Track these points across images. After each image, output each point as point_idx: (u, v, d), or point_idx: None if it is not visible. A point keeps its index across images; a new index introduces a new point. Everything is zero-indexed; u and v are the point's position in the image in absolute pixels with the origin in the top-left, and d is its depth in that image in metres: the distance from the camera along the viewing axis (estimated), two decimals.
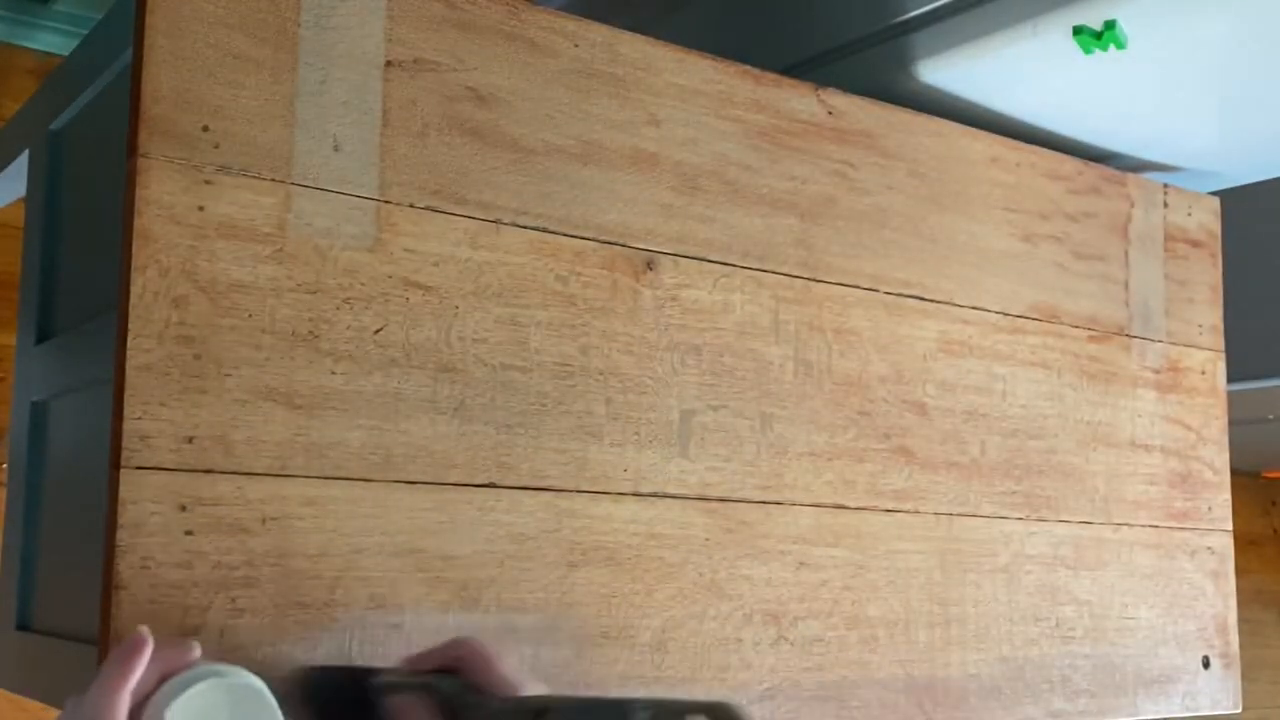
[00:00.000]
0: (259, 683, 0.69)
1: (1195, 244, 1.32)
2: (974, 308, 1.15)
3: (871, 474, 1.07)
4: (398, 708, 0.74)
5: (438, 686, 0.75)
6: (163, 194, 0.79)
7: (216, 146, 0.81)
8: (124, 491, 0.76)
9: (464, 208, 0.89)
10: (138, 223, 0.78)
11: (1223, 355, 1.33)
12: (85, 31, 1.55)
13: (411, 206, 0.87)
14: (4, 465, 1.65)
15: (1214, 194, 1.36)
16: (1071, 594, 1.18)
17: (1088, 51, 1.06)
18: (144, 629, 0.68)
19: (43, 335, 1.05)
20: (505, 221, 0.91)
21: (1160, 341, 1.28)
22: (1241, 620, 1.33)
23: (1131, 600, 1.22)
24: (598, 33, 0.97)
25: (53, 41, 1.94)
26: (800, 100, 1.06)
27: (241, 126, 0.82)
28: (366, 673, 0.77)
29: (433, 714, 0.73)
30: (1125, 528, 1.23)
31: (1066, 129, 1.25)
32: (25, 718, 1.73)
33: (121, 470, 0.76)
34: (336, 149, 0.85)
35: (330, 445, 0.83)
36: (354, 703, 0.75)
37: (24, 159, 1.15)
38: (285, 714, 0.70)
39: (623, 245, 0.96)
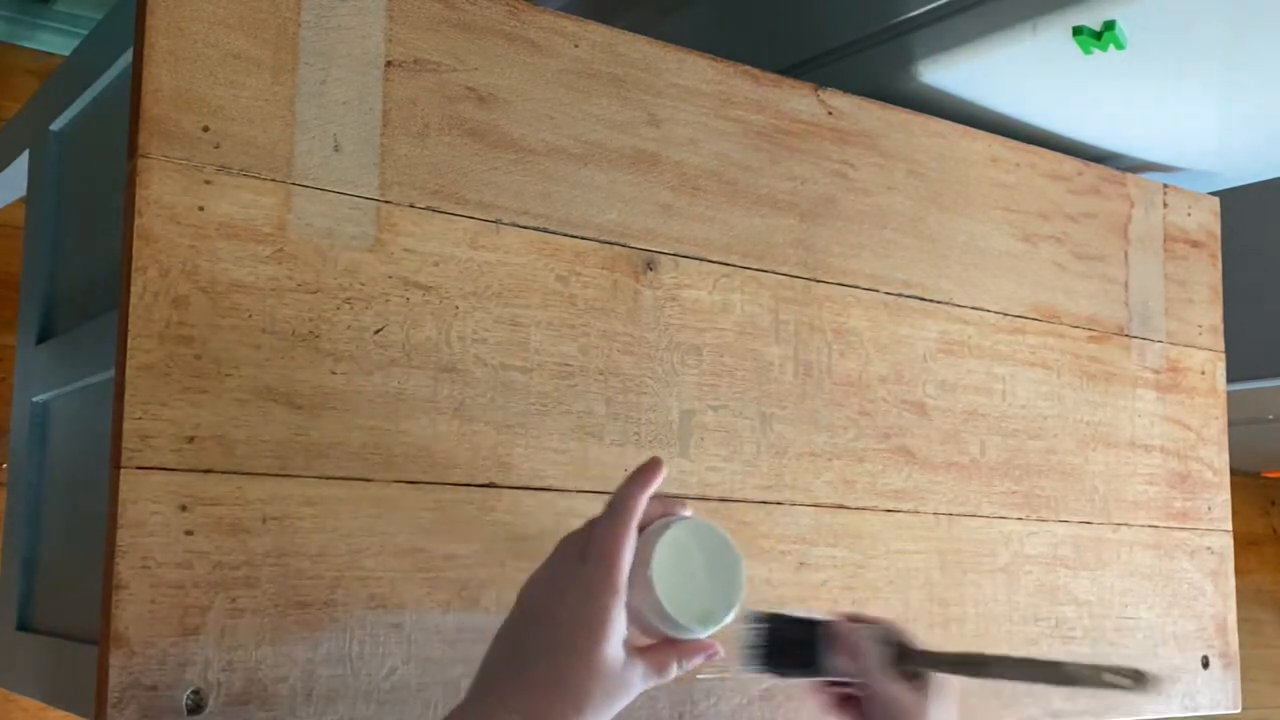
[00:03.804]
0: (729, 537, 0.75)
1: (1195, 244, 1.32)
2: (974, 308, 1.15)
3: (871, 474, 1.07)
4: (845, 643, 0.88)
5: (883, 629, 0.90)
6: (163, 194, 0.79)
7: (217, 147, 0.81)
8: (124, 491, 0.76)
9: (464, 208, 0.90)
10: (138, 223, 0.78)
11: (1223, 355, 1.33)
12: (85, 31, 1.55)
13: (412, 207, 0.87)
14: (4, 465, 1.65)
15: (1214, 194, 1.36)
16: (1071, 594, 1.18)
17: (1087, 51, 1.07)
18: (659, 458, 0.76)
19: (43, 335, 1.05)
20: (505, 221, 0.91)
21: (1160, 341, 1.28)
22: (1241, 620, 1.33)
23: (1131, 600, 1.22)
24: (598, 33, 0.97)
25: (53, 41, 1.94)
26: (800, 100, 1.06)
27: (242, 127, 0.82)
28: (806, 621, 0.90)
29: (872, 649, 0.88)
30: (1125, 528, 1.23)
31: (1066, 129, 1.25)
32: (25, 718, 1.73)
33: (122, 470, 0.76)
34: (337, 149, 0.85)
35: (330, 445, 0.83)
36: (794, 644, 0.88)
37: (24, 159, 1.15)
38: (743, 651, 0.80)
39: (623, 245, 0.96)
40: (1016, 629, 1.14)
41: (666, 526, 0.73)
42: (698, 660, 0.74)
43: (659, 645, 0.73)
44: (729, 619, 0.74)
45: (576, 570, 0.71)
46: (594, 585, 0.70)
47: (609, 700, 0.69)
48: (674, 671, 0.73)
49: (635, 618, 0.71)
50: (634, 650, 0.71)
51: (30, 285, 1.09)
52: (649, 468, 0.74)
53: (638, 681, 0.71)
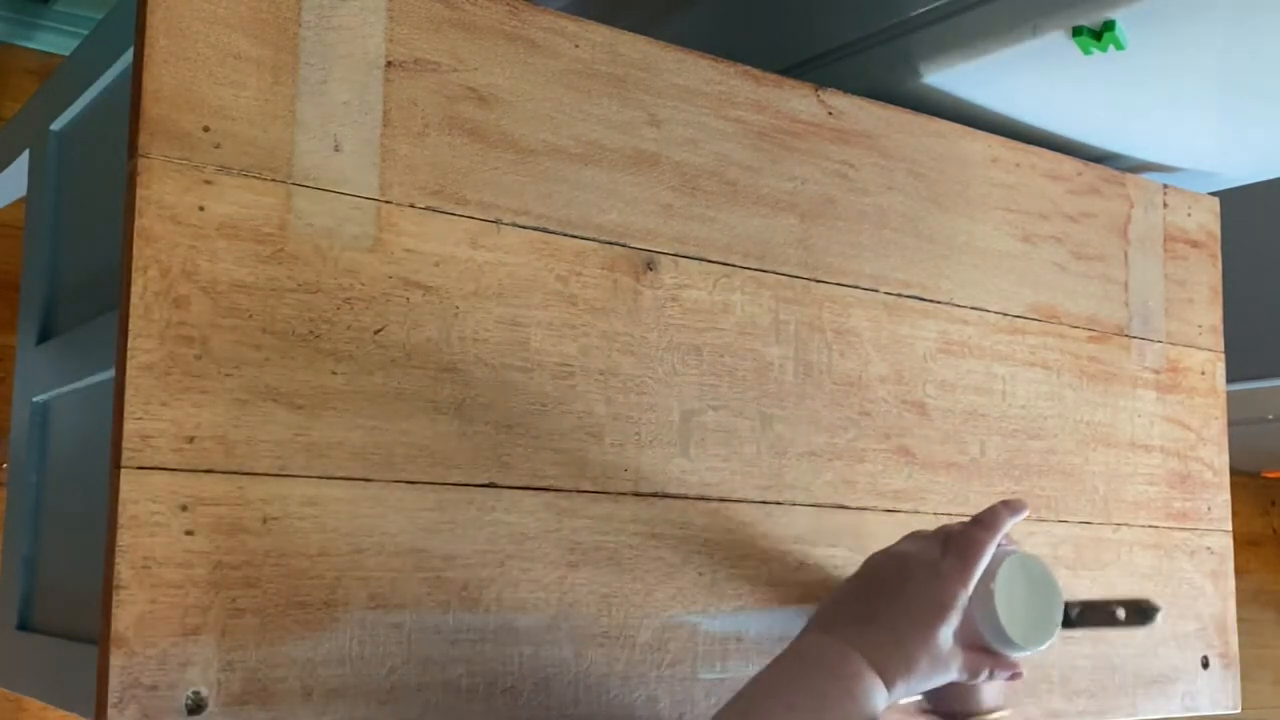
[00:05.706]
0: (1057, 580, 0.85)
1: (1195, 244, 1.32)
2: (974, 308, 1.15)
3: (871, 474, 1.07)
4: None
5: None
6: (163, 194, 0.79)
7: (217, 146, 0.81)
8: (124, 491, 0.76)
9: (464, 208, 0.90)
10: (138, 223, 0.78)
11: (1222, 355, 1.33)
12: (85, 31, 1.55)
13: (412, 207, 0.87)
14: (5, 465, 1.65)
15: (1214, 194, 1.36)
16: (1072, 594, 1.18)
17: (1087, 52, 1.07)
18: (1025, 500, 0.85)
19: (44, 335, 1.05)
20: (505, 222, 0.91)
21: (1160, 342, 1.28)
22: (1241, 620, 1.33)
23: None
24: (598, 33, 0.97)
25: (53, 41, 1.95)
26: (800, 100, 1.06)
27: (242, 127, 0.82)
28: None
29: None
30: (1125, 528, 1.23)
31: (1066, 129, 1.25)
32: (25, 718, 1.73)
33: (122, 470, 0.76)
34: (337, 149, 0.85)
35: (331, 445, 0.83)
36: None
37: (24, 159, 1.15)
38: None
39: (623, 245, 0.96)
40: None
41: (1010, 553, 0.81)
42: (1004, 676, 0.80)
43: (978, 649, 0.78)
44: (1044, 646, 0.81)
45: (935, 557, 0.78)
46: (949, 572, 0.77)
47: (929, 675, 0.75)
48: (983, 676, 0.79)
49: (963, 622, 0.77)
50: (958, 644, 0.77)
51: (30, 285, 1.09)
52: (1020, 501, 0.84)
53: (953, 671, 0.77)
